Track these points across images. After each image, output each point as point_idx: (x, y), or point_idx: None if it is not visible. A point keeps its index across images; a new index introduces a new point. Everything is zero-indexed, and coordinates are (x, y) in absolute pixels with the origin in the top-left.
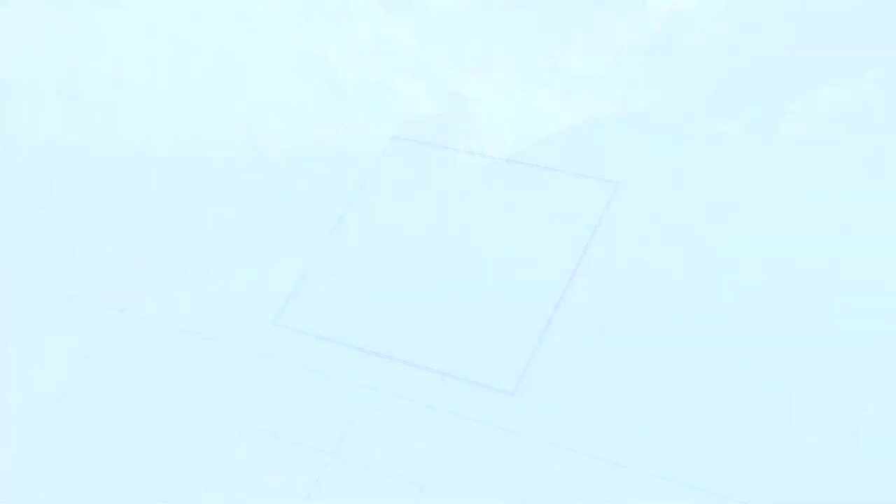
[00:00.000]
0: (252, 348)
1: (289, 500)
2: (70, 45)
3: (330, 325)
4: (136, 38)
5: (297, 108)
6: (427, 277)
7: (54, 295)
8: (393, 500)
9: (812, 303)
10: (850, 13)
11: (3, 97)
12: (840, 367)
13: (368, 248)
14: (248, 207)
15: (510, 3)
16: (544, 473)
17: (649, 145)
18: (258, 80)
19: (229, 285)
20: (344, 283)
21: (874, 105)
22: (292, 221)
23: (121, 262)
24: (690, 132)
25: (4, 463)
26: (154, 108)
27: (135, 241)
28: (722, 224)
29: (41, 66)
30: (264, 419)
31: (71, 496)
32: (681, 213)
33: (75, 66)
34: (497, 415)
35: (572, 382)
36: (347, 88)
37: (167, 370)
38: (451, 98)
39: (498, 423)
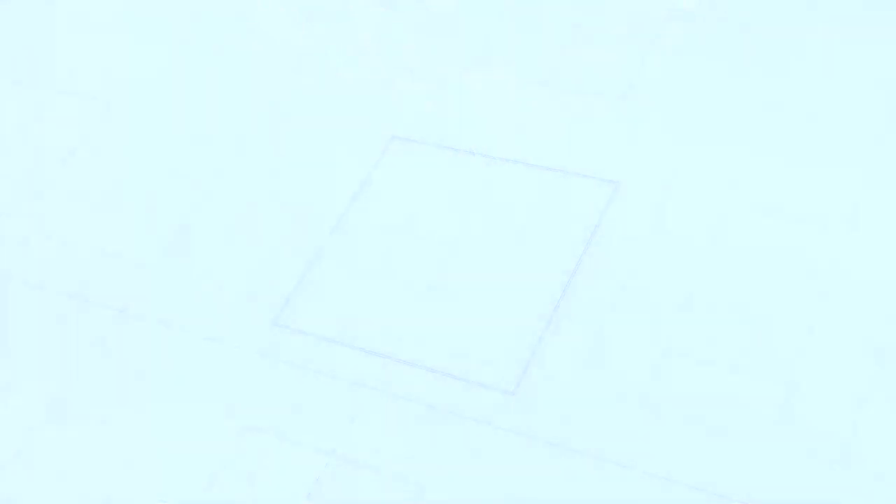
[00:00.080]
0: (252, 348)
1: (289, 500)
2: (70, 44)
3: (330, 325)
4: (136, 38)
5: (297, 108)
6: (427, 277)
7: (54, 295)
8: (393, 500)
9: (812, 303)
10: (851, 13)
11: (3, 97)
12: (840, 367)
13: (368, 248)
14: (248, 207)
15: (510, 3)
16: (544, 473)
17: (649, 145)
18: (258, 79)
19: (229, 285)
20: (344, 283)
21: (874, 105)
22: (292, 221)
23: (121, 262)
24: (690, 132)
25: (4, 463)
26: (154, 107)
27: (135, 241)
28: (722, 224)
29: (41, 66)
30: (264, 419)
31: (71, 496)
32: (681, 213)
33: (75, 65)
34: (497, 415)
35: (572, 382)
36: (347, 88)
37: (167, 370)
38: (451, 98)
39: (498, 423)
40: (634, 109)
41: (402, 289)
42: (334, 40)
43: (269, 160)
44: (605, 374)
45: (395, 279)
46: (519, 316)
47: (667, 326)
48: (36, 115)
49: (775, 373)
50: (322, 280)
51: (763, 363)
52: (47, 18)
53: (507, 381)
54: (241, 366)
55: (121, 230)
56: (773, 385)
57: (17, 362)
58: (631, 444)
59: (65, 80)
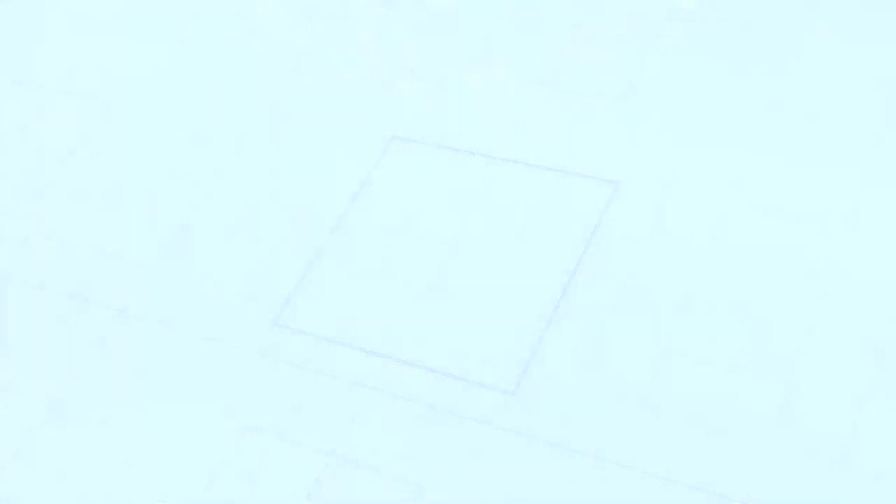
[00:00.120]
0: (252, 348)
1: (289, 500)
2: (70, 44)
3: (330, 325)
4: (136, 38)
5: (297, 108)
6: (427, 277)
7: (54, 295)
8: (393, 500)
9: (812, 303)
10: (851, 13)
11: (3, 97)
12: (840, 367)
13: (368, 248)
14: (248, 207)
15: (510, 3)
16: (544, 473)
17: (649, 145)
18: (258, 79)
19: (229, 285)
20: (344, 283)
21: (874, 105)
22: (292, 221)
23: (121, 262)
24: (690, 132)
25: (4, 463)
26: (154, 107)
27: (135, 241)
28: (722, 224)
29: (41, 66)
30: (264, 419)
31: (71, 496)
32: (681, 213)
33: (75, 65)
34: (497, 415)
35: (572, 382)
36: (347, 88)
37: (167, 370)
38: (451, 98)
39: (498, 423)
40: (634, 109)
41: (402, 289)
42: (334, 40)
43: (269, 160)
44: (605, 374)
45: (395, 279)
46: (519, 316)
47: (667, 326)
48: (36, 115)
49: (775, 373)
50: (322, 280)
51: (763, 363)
52: (47, 18)
53: (507, 381)
54: (241, 366)
55: (121, 230)
56: (773, 385)
57: (17, 362)
58: (631, 444)
59: (65, 80)
